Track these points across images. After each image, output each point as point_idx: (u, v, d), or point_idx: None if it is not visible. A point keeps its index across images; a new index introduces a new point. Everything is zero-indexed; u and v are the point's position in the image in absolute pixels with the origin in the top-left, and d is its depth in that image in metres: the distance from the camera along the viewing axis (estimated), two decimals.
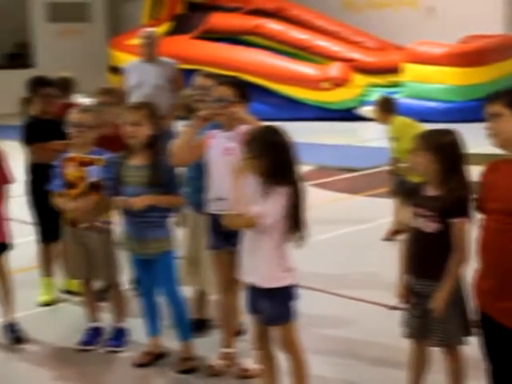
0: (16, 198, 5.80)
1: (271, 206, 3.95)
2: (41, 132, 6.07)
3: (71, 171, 5.21)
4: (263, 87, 17.16)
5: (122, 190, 4.88)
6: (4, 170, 5.48)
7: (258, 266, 4.07)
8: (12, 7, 25.46)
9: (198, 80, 5.22)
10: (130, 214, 4.87)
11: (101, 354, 5.28)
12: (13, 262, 5.70)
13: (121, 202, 4.86)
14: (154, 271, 4.97)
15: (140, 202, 4.77)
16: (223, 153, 4.64)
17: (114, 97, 6.22)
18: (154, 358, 5.09)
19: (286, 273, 4.10)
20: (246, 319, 4.79)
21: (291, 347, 4.20)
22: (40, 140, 6.04)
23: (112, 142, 5.48)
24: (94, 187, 5.18)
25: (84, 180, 5.20)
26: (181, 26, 20.00)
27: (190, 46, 18.76)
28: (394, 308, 4.17)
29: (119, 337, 5.40)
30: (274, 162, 3.99)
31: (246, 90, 4.80)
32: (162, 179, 4.82)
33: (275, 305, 4.09)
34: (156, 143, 4.88)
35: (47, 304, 6.28)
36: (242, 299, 4.38)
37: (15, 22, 25.45)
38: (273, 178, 3.98)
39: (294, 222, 4.03)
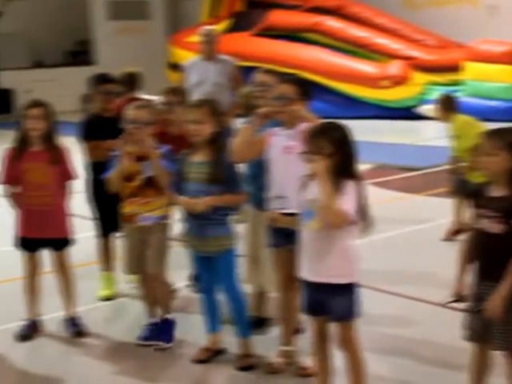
0: (77, 194, 5.86)
1: (349, 202, 3.96)
2: (99, 130, 6.11)
3: (128, 165, 5.26)
4: (322, 85, 17.09)
5: (184, 187, 4.92)
6: (67, 166, 5.56)
7: (330, 263, 4.08)
8: (74, 5, 25.79)
9: (258, 77, 5.22)
10: (190, 209, 4.90)
11: (159, 349, 5.32)
12: (74, 257, 5.78)
13: (183, 203, 4.88)
14: (214, 269, 4.98)
15: (202, 204, 4.78)
16: (283, 151, 4.64)
17: (178, 96, 6.24)
18: (212, 355, 5.11)
19: (355, 269, 4.14)
20: (304, 318, 4.78)
21: (350, 345, 4.19)
22: (97, 138, 6.08)
23: (177, 140, 5.52)
24: (150, 182, 5.23)
25: (140, 174, 5.25)
26: (240, 24, 20.04)
27: (249, 44, 18.79)
28: (450, 302, 4.12)
29: (167, 330, 5.44)
30: (345, 157, 4.03)
31: (307, 88, 4.80)
32: (222, 176, 4.84)
33: (345, 301, 4.11)
34: (218, 140, 4.89)
35: (108, 298, 6.35)
36: (300, 298, 4.37)
37: (77, 20, 25.77)
38: (344, 173, 4.01)
39: (363, 216, 4.05)
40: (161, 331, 5.41)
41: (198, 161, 4.91)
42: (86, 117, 6.45)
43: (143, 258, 5.33)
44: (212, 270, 5.00)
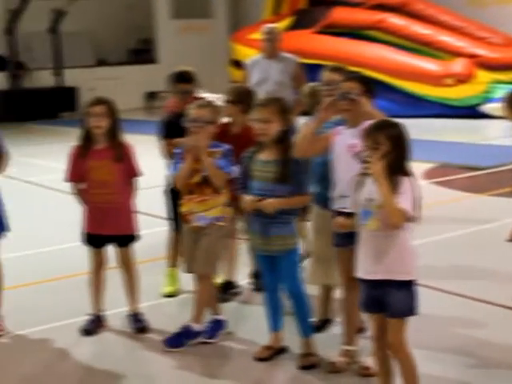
0: (142, 191, 5.91)
1: (406, 199, 3.95)
2: (175, 128, 6.08)
3: (190, 163, 5.26)
4: (385, 83, 16.97)
5: (250, 185, 4.93)
6: (132, 163, 5.61)
7: (389, 260, 4.07)
8: (137, 4, 26.07)
9: (326, 75, 5.19)
10: (255, 210, 4.91)
11: (222, 346, 5.35)
12: (139, 253, 5.84)
13: (250, 203, 4.87)
14: (277, 268, 4.97)
15: (270, 206, 4.77)
16: (347, 149, 4.62)
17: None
18: (274, 353, 5.11)
19: (414, 266, 4.14)
20: (366, 317, 4.76)
21: (399, 345, 4.16)
22: (174, 136, 6.07)
23: (238, 139, 5.52)
24: (208, 180, 5.24)
25: (199, 172, 5.27)
26: (302, 21, 20.02)
27: (311, 41, 18.76)
28: None
29: (215, 328, 5.47)
30: (401, 154, 4.05)
31: (371, 86, 4.78)
32: (289, 176, 4.82)
33: (403, 298, 4.09)
34: (285, 139, 4.88)
35: (171, 295, 6.40)
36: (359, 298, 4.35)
37: (140, 19, 26.05)
38: (399, 171, 4.02)
39: (418, 214, 4.05)
40: (210, 329, 5.45)
41: (264, 159, 4.91)
42: (165, 116, 6.44)
43: (195, 257, 5.36)
44: (275, 268, 4.99)
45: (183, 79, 6.38)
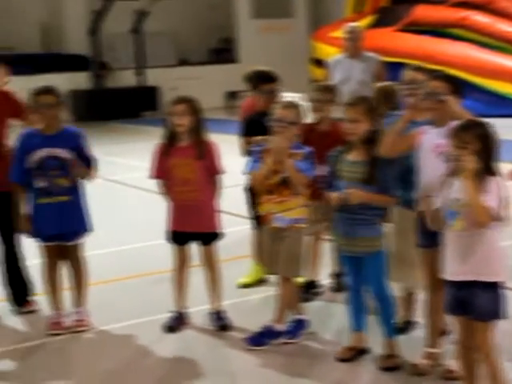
0: (225, 189, 5.94)
1: (494, 199, 3.90)
2: (256, 127, 6.07)
3: (269, 163, 5.27)
4: (470, 82, 16.68)
5: (336, 185, 4.90)
6: (214, 161, 5.65)
7: (476, 261, 4.02)
8: (219, 4, 26.25)
9: (408, 74, 5.13)
10: (341, 210, 4.87)
11: (304, 346, 5.34)
12: (222, 251, 5.87)
13: (336, 198, 4.83)
14: (362, 269, 4.95)
15: (355, 195, 4.74)
16: (433, 150, 4.56)
17: (328, 94, 6.20)
18: (356, 354, 5.08)
19: (502, 268, 4.08)
20: (450, 320, 4.68)
21: (486, 349, 4.09)
22: (253, 135, 6.08)
23: (325, 138, 5.49)
24: (287, 181, 5.22)
25: (279, 173, 5.25)
26: (385, 19, 19.85)
27: (393, 39, 18.58)
28: None
29: (297, 328, 5.45)
30: (489, 154, 4.01)
31: (458, 85, 4.70)
32: (377, 177, 4.79)
33: (489, 300, 4.04)
34: (374, 139, 4.84)
35: (246, 285, 6.51)
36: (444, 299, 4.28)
37: (222, 19, 26.21)
38: (487, 170, 3.98)
39: (505, 213, 3.99)
40: (291, 329, 5.44)
41: (352, 160, 4.88)
42: (249, 115, 6.46)
43: (276, 258, 5.34)
44: (360, 270, 4.96)
45: (268, 79, 6.37)
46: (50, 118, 5.62)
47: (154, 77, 23.96)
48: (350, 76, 8.44)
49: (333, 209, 4.95)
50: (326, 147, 5.17)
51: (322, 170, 5.19)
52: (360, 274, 4.97)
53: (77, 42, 24.48)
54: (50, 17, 25.23)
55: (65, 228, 5.70)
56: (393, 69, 8.04)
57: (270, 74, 6.42)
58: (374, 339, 5.07)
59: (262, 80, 6.36)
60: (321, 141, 5.48)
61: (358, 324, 5.11)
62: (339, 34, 9.55)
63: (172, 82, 23.64)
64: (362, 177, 4.80)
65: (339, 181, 4.88)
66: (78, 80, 23.44)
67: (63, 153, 5.62)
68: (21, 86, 5.87)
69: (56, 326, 5.75)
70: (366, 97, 5.16)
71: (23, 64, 22.44)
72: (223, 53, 27.16)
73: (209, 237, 5.71)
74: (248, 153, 5.77)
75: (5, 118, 6.03)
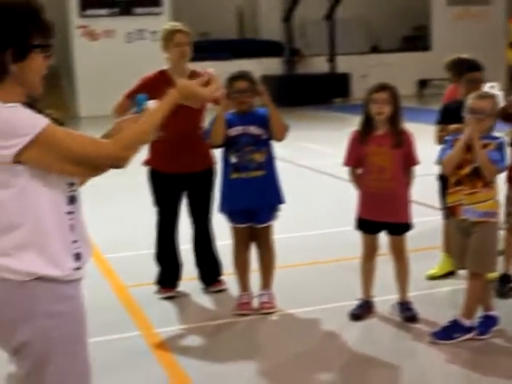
0: (417, 179, 5.83)
1: None
2: (453, 115, 5.92)
3: (458, 153, 5.11)
4: None
5: None
6: (411, 151, 5.55)
7: None
8: None
9: None
10: None
11: (492, 344, 5.16)
12: (411, 241, 5.78)
13: None
14: None
15: None
16: None
17: None
18: None
19: None
20: None
21: None
22: (449, 123, 5.95)
23: None
24: (479, 172, 5.05)
25: (470, 163, 5.09)
26: None
27: None
28: None
29: (486, 324, 5.27)
30: None
31: None
32: None
33: None
34: None
35: (434, 277, 6.40)
36: None
37: (416, 5, 25.85)
38: None
39: None
40: (481, 325, 5.27)
41: None
42: (446, 103, 6.33)
43: (465, 252, 5.18)
44: None
45: (473, 67, 6.18)
46: (243, 103, 5.71)
47: (345, 63, 23.95)
48: None
49: None
50: None
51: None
52: None
53: (271, 29, 24.86)
54: (245, 3, 25.75)
55: (259, 202, 5.79)
56: None
57: (476, 63, 6.25)
58: None
59: (467, 68, 6.18)
60: None
61: None
62: None
63: (363, 69, 23.57)
64: None
65: None
66: (271, 66, 23.82)
67: (256, 130, 5.72)
68: (218, 71, 5.99)
69: (243, 307, 5.87)
70: None
71: (220, 50, 23.12)
72: (416, 40, 26.75)
73: (400, 227, 5.63)
74: (442, 141, 5.64)
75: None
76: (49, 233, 2.77)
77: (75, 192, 2.90)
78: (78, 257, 2.88)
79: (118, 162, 2.84)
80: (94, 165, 2.81)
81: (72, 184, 2.88)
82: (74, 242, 2.86)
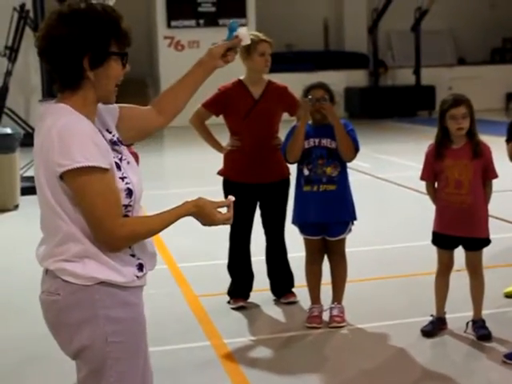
0: (496, 194, 5.69)
1: None
2: None
3: None
4: None
5: None
6: (490, 164, 5.42)
7: None
8: (501, 2, 25.49)
9: None
10: None
11: None
12: (486, 258, 5.63)
13: None
14: None
15: None
16: None
17: None
18: None
19: None
20: None
21: None
22: None
23: None
24: None
25: None
26: None
27: None
28: None
29: None
30: None
31: None
32: None
33: None
34: None
35: (509, 296, 6.23)
36: None
37: (504, 17, 25.45)
38: None
39: None
40: None
41: None
42: None
43: None
44: None
45: None
46: (318, 111, 5.67)
47: (431, 76, 23.63)
48: None
49: None
50: None
51: None
52: None
53: (356, 40, 24.75)
54: (331, 15, 25.69)
55: (329, 216, 5.73)
56: None
57: None
58: None
59: None
60: None
61: None
62: None
63: (449, 81, 23.24)
64: None
65: None
66: (355, 78, 23.73)
67: (329, 142, 5.68)
68: (302, 83, 5.98)
69: (314, 320, 5.81)
70: None
71: (305, 61, 23.13)
72: (505, 52, 26.26)
73: (476, 242, 5.49)
74: None
75: (279, 112, 6.19)
76: None
77: (131, 208, 2.90)
78: (140, 266, 2.91)
79: (110, 246, 2.79)
80: (95, 229, 2.76)
81: (130, 198, 2.88)
82: (132, 255, 2.89)
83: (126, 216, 2.85)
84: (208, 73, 3.25)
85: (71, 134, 2.70)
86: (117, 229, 2.75)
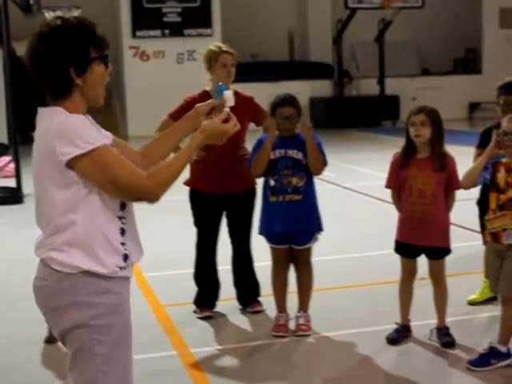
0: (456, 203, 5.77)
1: None
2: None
3: (500, 176, 5.06)
4: None
5: None
6: (453, 175, 5.48)
7: None
8: (464, 14, 25.79)
9: None
10: None
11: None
12: (448, 266, 5.71)
13: None
14: None
15: None
16: None
17: None
18: None
19: None
20: None
21: None
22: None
23: None
24: None
25: (511, 186, 5.02)
26: None
27: None
28: None
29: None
30: None
31: None
32: None
33: None
34: None
35: (473, 303, 6.32)
36: None
37: (467, 28, 25.72)
38: None
39: None
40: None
41: None
42: (487, 126, 6.27)
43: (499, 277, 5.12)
44: None
45: (510, 90, 6.12)
46: (287, 130, 5.72)
47: (395, 86, 23.86)
48: None
49: None
50: None
51: None
52: None
53: (321, 51, 24.90)
54: (295, 25, 25.83)
55: (295, 226, 5.78)
56: None
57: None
58: None
59: (505, 91, 6.10)
60: None
61: None
62: None
63: (413, 91, 23.46)
64: None
65: None
66: (320, 88, 23.88)
67: (295, 154, 5.73)
68: (267, 93, 6.03)
69: (280, 328, 5.85)
70: None
71: (269, 71, 23.23)
72: (467, 63, 26.57)
73: (438, 251, 5.57)
74: None
75: (245, 122, 6.22)
76: (99, 234, 3.01)
77: (125, 221, 3.14)
78: (125, 257, 3.10)
79: (150, 198, 3.06)
80: (130, 193, 3.02)
81: (123, 210, 3.12)
82: (123, 244, 3.09)
83: (122, 229, 3.09)
84: (193, 128, 3.43)
85: (69, 125, 2.92)
86: (146, 182, 3.00)
